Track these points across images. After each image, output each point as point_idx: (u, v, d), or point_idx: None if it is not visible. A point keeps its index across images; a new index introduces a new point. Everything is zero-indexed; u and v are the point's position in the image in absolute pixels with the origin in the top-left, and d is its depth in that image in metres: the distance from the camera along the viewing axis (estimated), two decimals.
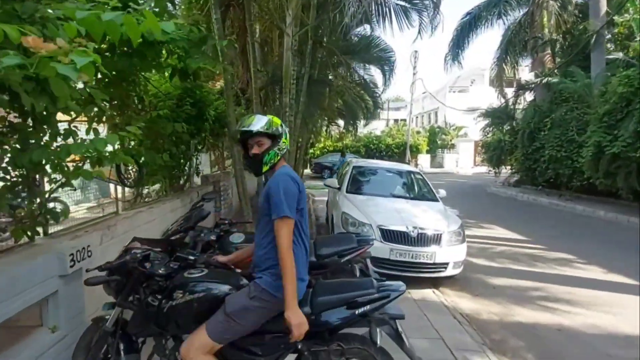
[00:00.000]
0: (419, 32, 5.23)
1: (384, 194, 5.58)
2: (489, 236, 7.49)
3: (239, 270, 2.18)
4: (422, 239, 4.43)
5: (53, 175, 2.51)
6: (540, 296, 4.57)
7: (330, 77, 5.87)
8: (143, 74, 3.70)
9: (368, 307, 1.77)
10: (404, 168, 6.57)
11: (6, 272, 1.95)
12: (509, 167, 16.68)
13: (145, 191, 4.82)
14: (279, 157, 1.85)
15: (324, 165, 21.23)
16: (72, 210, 4.21)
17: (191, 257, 2.02)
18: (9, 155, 1.95)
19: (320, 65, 5.66)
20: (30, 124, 2.18)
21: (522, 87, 15.71)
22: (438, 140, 31.39)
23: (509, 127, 16.17)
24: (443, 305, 4.12)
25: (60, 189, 2.68)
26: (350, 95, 6.52)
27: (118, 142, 3.64)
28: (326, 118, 10.43)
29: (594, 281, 5.10)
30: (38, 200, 2.43)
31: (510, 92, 17.75)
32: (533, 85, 14.97)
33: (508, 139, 15.79)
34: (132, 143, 3.92)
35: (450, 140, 31.48)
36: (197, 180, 6.72)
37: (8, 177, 2.08)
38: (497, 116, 16.66)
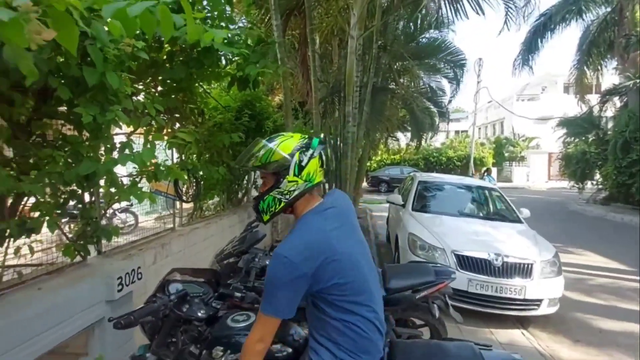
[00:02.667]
0: (505, 23, 4.56)
1: (455, 212, 4.93)
2: (582, 264, 6.37)
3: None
4: (508, 269, 3.73)
5: (109, 190, 2.40)
6: None
7: (392, 85, 5.43)
8: (203, 86, 3.62)
9: None
10: (478, 183, 5.83)
11: (49, 297, 1.78)
12: (595, 182, 14.64)
13: (204, 206, 4.75)
14: (283, 204, 1.28)
15: (381, 179, 20.55)
16: (141, 220, 4.33)
17: (237, 295, 1.69)
18: (59, 170, 1.80)
19: (383, 72, 5.26)
20: (84, 137, 2.06)
21: (610, 92, 13.79)
22: (505, 153, 28.98)
23: (594, 137, 14.25)
24: (537, 352, 3.38)
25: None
26: (416, 104, 6.00)
27: (177, 157, 3.59)
28: (386, 130, 9.92)
29: None
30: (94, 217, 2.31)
31: (592, 98, 15.75)
32: (624, 90, 13.06)
33: (594, 150, 13.89)
34: (193, 157, 3.84)
35: (520, 152, 28.89)
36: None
37: (58, 193, 1.94)
38: (579, 125, 14.79)
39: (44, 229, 1.95)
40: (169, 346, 1.53)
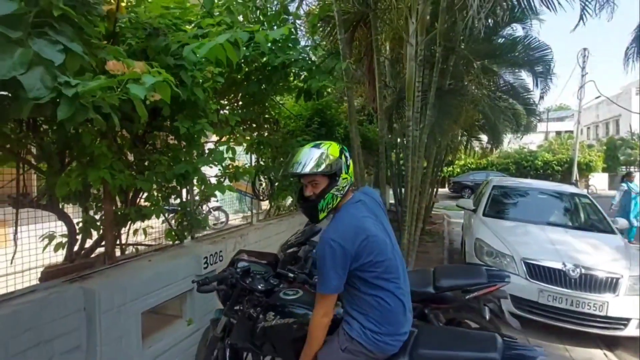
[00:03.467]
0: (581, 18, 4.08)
1: (533, 220, 4.61)
2: None
3: None
4: (587, 282, 3.43)
5: (201, 189, 2.95)
6: None
7: (470, 87, 5.27)
8: (277, 98, 4.11)
9: None
10: (562, 188, 5.34)
11: (154, 267, 2.34)
12: None
13: (280, 206, 5.27)
14: (339, 199, 1.52)
15: (464, 185, 19.44)
16: (232, 218, 5.12)
17: (290, 275, 2.01)
18: (162, 170, 2.36)
19: (453, 74, 5.17)
20: (182, 145, 2.62)
21: None
22: (620, 156, 24.87)
23: None
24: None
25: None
26: (488, 104, 5.70)
27: (255, 161, 4.13)
28: (465, 133, 9.49)
29: None
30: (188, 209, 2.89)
31: None
32: None
33: None
34: (269, 161, 4.35)
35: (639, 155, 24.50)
36: None
37: (163, 189, 2.53)
38: None
39: (154, 220, 2.56)
40: (237, 311, 1.93)
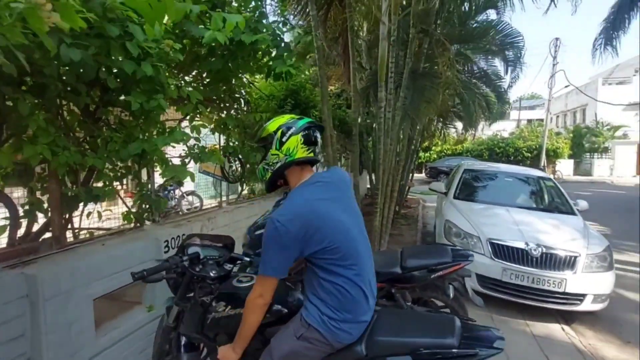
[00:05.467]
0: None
1: (500, 202, 4.74)
2: None
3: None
4: (547, 260, 3.55)
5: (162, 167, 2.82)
6: None
7: (445, 70, 5.25)
8: (247, 77, 3.95)
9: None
10: (528, 172, 5.49)
11: (107, 251, 2.21)
12: None
13: (254, 189, 5.15)
14: (268, 174, 1.52)
15: (440, 170, 19.82)
16: (207, 203, 4.94)
17: (246, 259, 1.93)
18: (115, 149, 2.21)
19: (428, 57, 5.14)
20: (139, 122, 2.47)
21: None
22: (585, 143, 26.01)
23: None
24: (575, 348, 3.22)
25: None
26: (465, 90, 5.74)
27: (224, 141, 3.99)
28: (441, 119, 9.57)
29: None
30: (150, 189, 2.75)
31: None
32: None
33: None
34: (235, 142, 4.22)
35: (603, 143, 25.71)
36: None
37: (117, 168, 2.37)
38: None
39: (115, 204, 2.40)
40: (188, 299, 1.82)
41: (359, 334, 1.46)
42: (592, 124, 27.69)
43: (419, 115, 4.67)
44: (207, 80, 3.27)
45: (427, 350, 1.38)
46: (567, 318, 3.76)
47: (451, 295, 2.54)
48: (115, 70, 2.06)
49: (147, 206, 2.79)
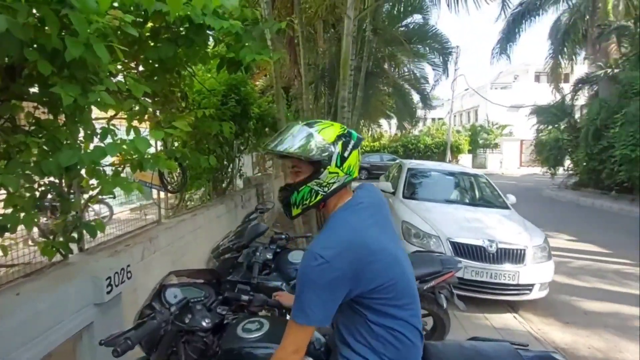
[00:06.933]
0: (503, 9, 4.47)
1: (445, 199, 4.94)
2: (563, 247, 6.57)
3: None
4: (502, 255, 3.75)
5: (90, 182, 2.18)
6: None
7: (389, 70, 5.30)
8: (189, 66, 3.35)
9: None
10: (464, 170, 5.86)
11: (30, 304, 1.56)
12: (566, 168, 15.23)
13: (187, 196, 4.51)
14: (317, 198, 1.16)
15: (361, 166, 20.54)
16: (117, 211, 4.05)
17: (244, 298, 1.53)
18: (33, 159, 1.57)
19: (374, 57, 5.11)
20: (61, 122, 1.82)
21: (582, 81, 14.24)
22: (480, 140, 29.75)
23: (566, 125, 14.75)
24: (532, 336, 3.44)
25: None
26: (403, 90, 5.91)
27: (161, 145, 3.34)
28: (369, 117, 9.80)
29: None
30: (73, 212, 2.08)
31: (564, 87, 16.27)
32: (595, 79, 13.51)
33: (566, 137, 14.40)
34: (176, 144, 3.60)
35: (494, 140, 29.71)
36: (239, 182, 6.41)
37: (35, 186, 1.71)
38: (552, 113, 15.24)
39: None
40: (170, 359, 1.35)
41: None
42: (484, 123, 31.69)
43: (372, 115, 4.58)
44: (145, 69, 2.64)
45: None
46: (516, 307, 4.03)
47: (444, 305, 2.45)
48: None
49: (72, 231, 2.12)
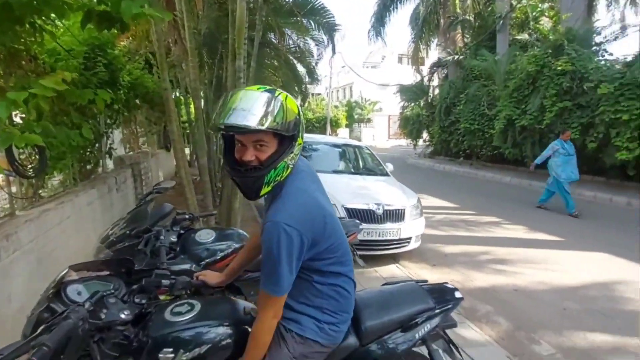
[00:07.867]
0: None
1: (335, 170, 5.30)
2: (426, 205, 7.80)
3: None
4: (388, 216, 4.29)
5: None
6: (488, 259, 4.84)
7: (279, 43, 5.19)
8: (40, 20, 2.65)
9: (428, 326, 1.44)
10: (350, 142, 6.35)
11: None
12: (424, 140, 17.93)
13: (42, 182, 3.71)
14: (287, 172, 1.12)
15: None
16: None
17: (165, 282, 1.40)
18: None
19: (264, 28, 4.95)
20: None
21: (437, 65, 16.73)
22: (355, 115, 32.37)
23: (424, 102, 17.22)
24: (411, 279, 4.06)
25: None
26: (289, 64, 5.93)
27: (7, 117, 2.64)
28: None
29: (524, 240, 5.63)
30: None
31: (423, 69, 18.85)
32: (446, 63, 16.03)
33: (425, 113, 16.85)
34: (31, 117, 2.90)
35: (367, 115, 32.71)
36: (109, 163, 5.56)
37: None
38: (413, 92, 17.58)
39: None
40: None
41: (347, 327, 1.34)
42: (359, 100, 34.48)
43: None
44: None
45: (414, 320, 1.41)
46: (397, 258, 4.69)
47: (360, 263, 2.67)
48: None
49: None
